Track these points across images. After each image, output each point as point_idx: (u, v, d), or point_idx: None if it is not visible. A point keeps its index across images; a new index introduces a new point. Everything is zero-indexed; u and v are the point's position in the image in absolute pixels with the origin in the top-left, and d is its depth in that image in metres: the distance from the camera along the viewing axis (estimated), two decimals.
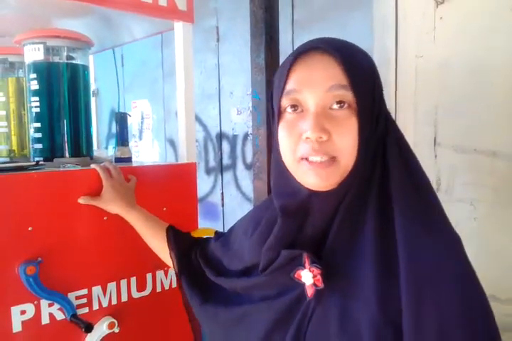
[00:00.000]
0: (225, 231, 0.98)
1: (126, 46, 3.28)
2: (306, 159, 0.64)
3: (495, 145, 1.49)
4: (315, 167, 0.63)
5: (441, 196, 1.67)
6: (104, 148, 3.60)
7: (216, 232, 1.04)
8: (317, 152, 0.62)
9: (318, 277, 0.62)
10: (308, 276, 0.63)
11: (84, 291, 1.14)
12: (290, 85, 0.65)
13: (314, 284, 0.63)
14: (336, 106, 0.63)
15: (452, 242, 0.63)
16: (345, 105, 0.62)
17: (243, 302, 0.76)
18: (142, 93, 3.38)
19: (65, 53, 1.28)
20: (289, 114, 0.67)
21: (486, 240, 1.50)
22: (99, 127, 3.87)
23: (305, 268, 0.64)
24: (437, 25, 1.61)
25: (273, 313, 0.70)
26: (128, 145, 1.45)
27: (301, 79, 0.64)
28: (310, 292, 0.63)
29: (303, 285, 0.64)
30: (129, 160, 1.43)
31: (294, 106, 0.66)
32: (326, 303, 0.64)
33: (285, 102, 0.66)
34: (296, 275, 0.65)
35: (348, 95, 0.62)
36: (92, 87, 3.94)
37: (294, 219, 0.68)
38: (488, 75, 1.51)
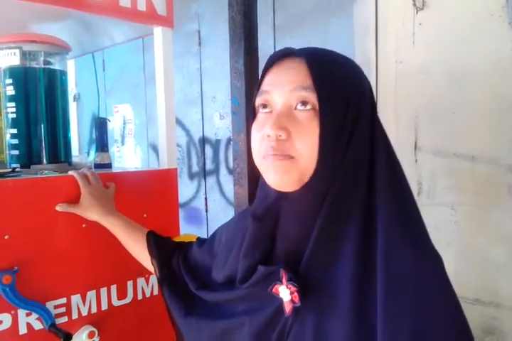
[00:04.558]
0: (208, 236, 0.97)
1: (107, 51, 3.25)
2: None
3: (474, 150, 1.51)
4: (273, 159, 0.64)
5: (422, 200, 1.69)
6: (85, 153, 3.56)
7: (198, 238, 1.03)
8: (275, 150, 0.63)
9: (296, 294, 0.61)
10: (285, 292, 0.62)
11: (63, 300, 1.12)
12: (263, 87, 0.68)
13: (292, 301, 0.62)
14: (300, 106, 0.64)
15: (433, 258, 0.62)
16: (309, 106, 0.63)
17: (226, 315, 0.75)
18: (124, 98, 3.35)
19: (42, 58, 1.26)
20: (260, 114, 0.69)
21: (466, 243, 1.51)
22: (81, 132, 3.83)
23: (282, 283, 0.63)
24: (416, 30, 1.62)
25: (255, 328, 0.68)
26: (108, 151, 1.43)
27: (271, 81, 0.67)
28: (288, 308, 0.62)
29: (281, 299, 0.64)
30: (108, 166, 1.41)
31: (265, 106, 0.68)
32: (303, 320, 0.63)
33: (258, 102, 0.69)
34: (273, 290, 0.64)
35: (311, 96, 0.63)
36: (74, 91, 3.91)
37: (263, 222, 0.69)
38: (466, 80, 1.53)
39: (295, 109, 0.64)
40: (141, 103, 3.19)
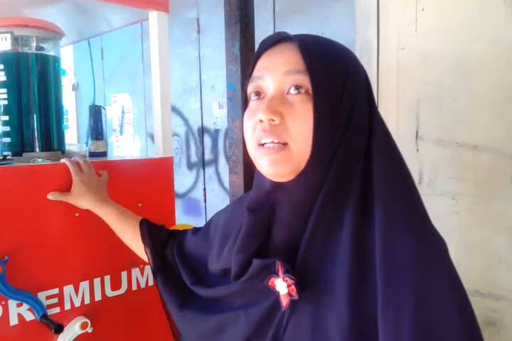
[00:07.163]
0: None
1: (105, 39, 3.21)
2: (262, 145, 0.63)
3: (476, 139, 1.48)
4: (267, 152, 0.62)
5: (423, 190, 1.66)
6: (84, 142, 3.53)
7: (194, 228, 1.00)
8: (268, 133, 0.61)
9: (293, 287, 0.60)
10: (282, 285, 0.61)
11: (55, 291, 1.09)
12: (255, 73, 0.67)
13: (289, 294, 0.60)
14: (293, 90, 0.62)
15: (435, 244, 0.59)
16: (302, 90, 0.61)
17: (222, 309, 0.74)
18: (122, 87, 3.31)
19: (34, 43, 1.23)
20: (252, 101, 0.67)
21: (468, 234, 1.49)
22: (80, 121, 3.80)
23: (279, 276, 0.61)
24: (419, 16, 1.58)
25: (251, 322, 0.67)
26: (102, 139, 1.40)
27: (263, 66, 0.66)
28: (285, 302, 0.61)
29: (278, 292, 0.62)
30: (103, 154, 1.38)
31: (257, 94, 0.66)
32: (300, 312, 0.61)
33: (250, 89, 0.67)
34: (269, 283, 0.62)
35: (305, 80, 0.61)
36: (72, 80, 3.86)
37: (258, 214, 0.66)
38: (470, 67, 1.50)
39: (288, 93, 0.62)
40: (140, 92, 3.15)
